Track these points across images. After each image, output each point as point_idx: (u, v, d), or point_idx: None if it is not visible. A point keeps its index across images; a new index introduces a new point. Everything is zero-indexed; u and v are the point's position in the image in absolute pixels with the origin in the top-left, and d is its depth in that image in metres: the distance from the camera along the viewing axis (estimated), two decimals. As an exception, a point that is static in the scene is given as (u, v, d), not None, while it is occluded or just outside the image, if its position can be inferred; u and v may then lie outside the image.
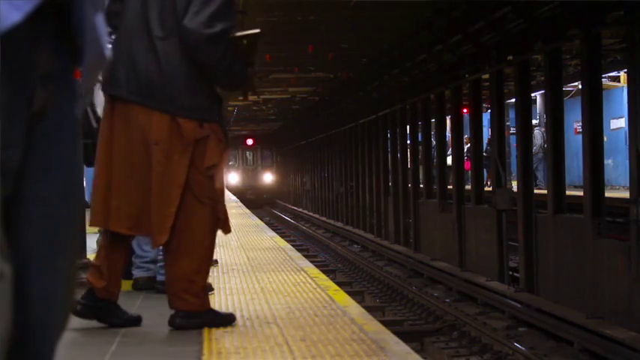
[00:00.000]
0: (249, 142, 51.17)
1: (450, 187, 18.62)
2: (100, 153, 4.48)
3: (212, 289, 5.68)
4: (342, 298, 5.44)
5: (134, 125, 4.40)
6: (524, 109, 14.32)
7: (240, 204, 21.65)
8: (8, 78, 1.31)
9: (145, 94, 4.38)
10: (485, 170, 18.89)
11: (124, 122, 4.42)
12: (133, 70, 4.38)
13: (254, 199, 45.75)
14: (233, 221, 14.95)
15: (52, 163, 1.43)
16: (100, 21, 1.44)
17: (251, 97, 31.10)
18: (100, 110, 5.43)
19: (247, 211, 18.19)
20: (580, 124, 15.98)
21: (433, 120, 20.20)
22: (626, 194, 12.52)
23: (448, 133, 21.40)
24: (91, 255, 7.13)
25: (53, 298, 1.44)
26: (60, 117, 1.45)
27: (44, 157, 1.42)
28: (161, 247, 5.63)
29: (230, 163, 49.69)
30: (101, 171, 4.46)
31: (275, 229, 17.92)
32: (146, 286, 5.87)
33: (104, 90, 4.55)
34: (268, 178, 51.30)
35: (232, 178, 49.48)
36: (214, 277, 6.52)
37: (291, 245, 10.21)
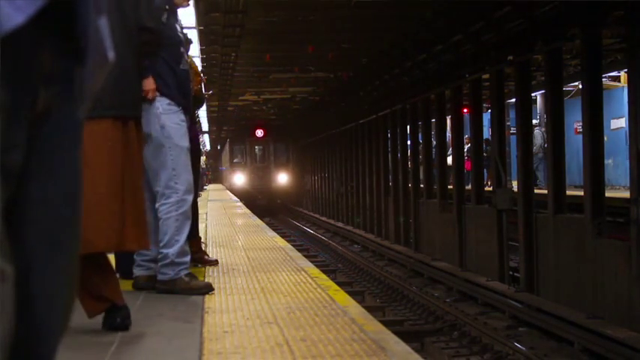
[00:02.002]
0: (259, 133, 41.21)
1: (450, 187, 18.63)
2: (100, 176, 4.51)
3: (212, 289, 5.68)
4: (343, 298, 5.44)
5: (115, 139, 4.55)
6: (525, 109, 14.32)
7: (241, 204, 21.56)
8: (11, 79, 1.31)
9: (119, 105, 4.57)
10: (485, 170, 18.88)
11: (102, 139, 4.50)
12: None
13: (265, 205, 38.23)
14: (236, 221, 14.85)
15: (55, 164, 1.44)
16: (104, 23, 1.44)
17: (251, 97, 31.20)
18: None
19: (247, 211, 18.15)
20: (580, 124, 15.99)
21: (433, 120, 20.21)
22: (626, 194, 12.52)
23: (448, 133, 21.40)
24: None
25: (55, 298, 1.44)
26: (63, 118, 1.45)
27: (47, 159, 1.42)
28: (160, 245, 5.68)
29: (235, 161, 42.29)
30: (112, 193, 4.52)
31: (275, 229, 17.91)
32: (146, 285, 5.86)
33: None
34: (283, 178, 41.38)
35: (238, 178, 41.11)
36: (214, 277, 6.52)
37: (291, 245, 10.21)
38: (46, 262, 1.42)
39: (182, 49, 5.98)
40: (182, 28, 6.26)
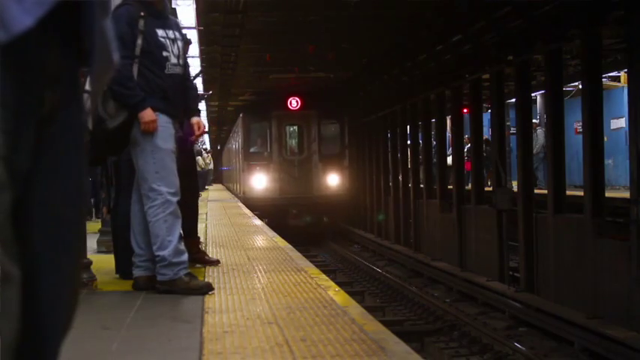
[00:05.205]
0: (293, 104, 25.44)
1: (450, 187, 18.63)
2: None
3: (212, 289, 5.68)
4: (343, 298, 5.44)
5: None
6: (525, 109, 14.32)
7: (240, 204, 21.38)
8: (19, 81, 1.32)
9: None
10: (484, 170, 18.87)
11: None
12: None
13: (304, 225, 24.85)
14: (236, 221, 14.81)
15: (60, 165, 1.44)
16: (109, 26, 1.45)
17: (251, 97, 31.16)
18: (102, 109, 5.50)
19: (247, 211, 18.09)
20: (580, 124, 15.98)
21: (433, 120, 20.20)
22: (626, 194, 12.52)
23: (448, 133, 21.38)
24: (90, 255, 7.14)
25: (59, 298, 1.45)
26: (68, 120, 1.46)
27: (53, 160, 1.43)
28: (154, 247, 5.68)
29: (251, 150, 26.13)
30: None
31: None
32: (146, 285, 5.86)
33: None
34: (333, 180, 25.35)
35: (258, 181, 25.25)
36: (214, 277, 6.52)
37: (292, 245, 10.20)
38: (51, 263, 1.43)
39: (165, 53, 5.77)
40: (180, 28, 6.17)
